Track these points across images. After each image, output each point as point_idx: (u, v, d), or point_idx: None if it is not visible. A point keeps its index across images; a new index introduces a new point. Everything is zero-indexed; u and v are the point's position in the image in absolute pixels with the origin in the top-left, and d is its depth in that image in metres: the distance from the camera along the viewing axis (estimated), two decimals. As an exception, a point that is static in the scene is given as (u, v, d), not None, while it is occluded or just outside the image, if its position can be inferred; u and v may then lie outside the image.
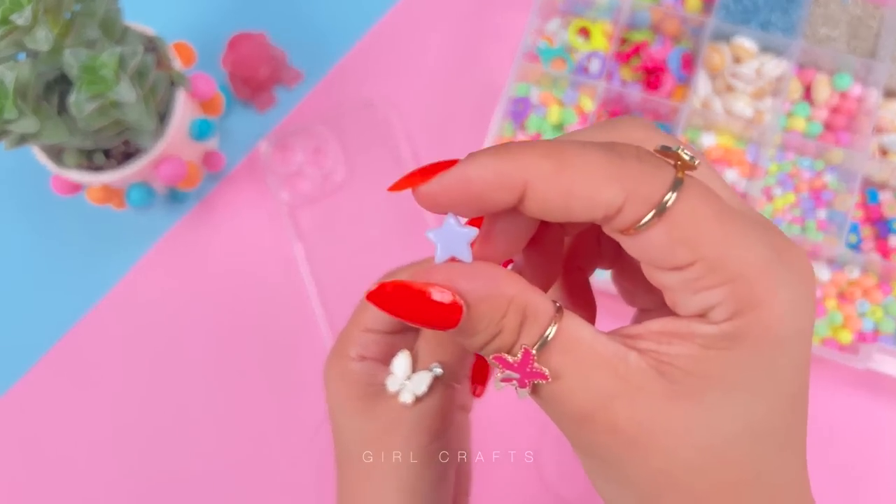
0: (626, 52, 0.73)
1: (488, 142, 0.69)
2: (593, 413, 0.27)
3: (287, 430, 0.69)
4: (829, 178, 0.71)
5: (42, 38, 0.52)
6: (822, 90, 0.71)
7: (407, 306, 0.27)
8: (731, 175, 0.71)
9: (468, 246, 0.28)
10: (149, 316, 0.72)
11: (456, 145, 0.74)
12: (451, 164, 0.27)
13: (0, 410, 0.70)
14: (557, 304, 0.28)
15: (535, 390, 0.28)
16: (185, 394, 0.70)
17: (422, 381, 0.40)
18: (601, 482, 0.30)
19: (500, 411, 0.68)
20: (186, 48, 0.66)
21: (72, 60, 0.54)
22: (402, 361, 0.40)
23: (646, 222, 0.26)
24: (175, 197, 0.73)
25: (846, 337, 0.67)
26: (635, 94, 0.71)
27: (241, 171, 0.74)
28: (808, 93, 0.73)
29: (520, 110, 0.72)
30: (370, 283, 0.28)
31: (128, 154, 0.64)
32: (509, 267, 0.32)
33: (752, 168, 0.71)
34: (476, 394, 0.46)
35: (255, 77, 0.73)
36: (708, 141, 0.71)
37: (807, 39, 0.72)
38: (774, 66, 0.70)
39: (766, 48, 0.72)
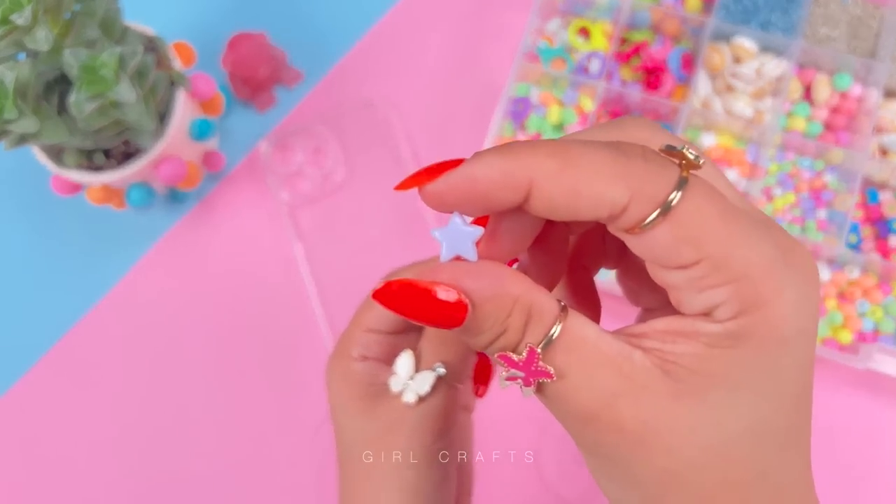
0: (627, 52, 0.73)
1: (488, 142, 0.69)
2: (598, 412, 0.27)
3: (287, 429, 0.69)
4: (829, 178, 0.71)
5: (42, 38, 0.52)
6: (822, 90, 0.71)
7: (412, 305, 0.27)
8: (732, 175, 0.71)
9: (473, 245, 0.28)
10: (149, 316, 0.72)
11: (456, 145, 0.74)
12: (456, 163, 0.27)
13: (0, 410, 0.70)
14: (562, 304, 0.28)
15: (539, 389, 0.28)
16: (185, 393, 0.70)
17: (425, 381, 0.39)
18: (605, 481, 0.30)
19: (500, 411, 0.68)
20: (186, 48, 0.66)
21: (72, 60, 0.54)
22: (405, 361, 0.40)
23: (650, 221, 0.26)
24: (175, 197, 0.73)
25: (846, 337, 0.67)
26: (635, 94, 0.71)
27: (241, 170, 0.74)
28: (808, 93, 0.73)
29: (520, 110, 0.72)
30: (375, 282, 0.28)
31: (128, 154, 0.64)
32: (514, 266, 0.32)
33: (752, 168, 0.71)
34: (478, 394, 0.46)
35: (254, 77, 0.73)
36: (708, 141, 0.71)
37: (807, 39, 0.72)
38: (774, 66, 0.71)
39: (766, 48, 0.72)
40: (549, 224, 0.30)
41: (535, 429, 0.68)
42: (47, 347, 0.71)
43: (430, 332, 0.40)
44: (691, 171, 0.27)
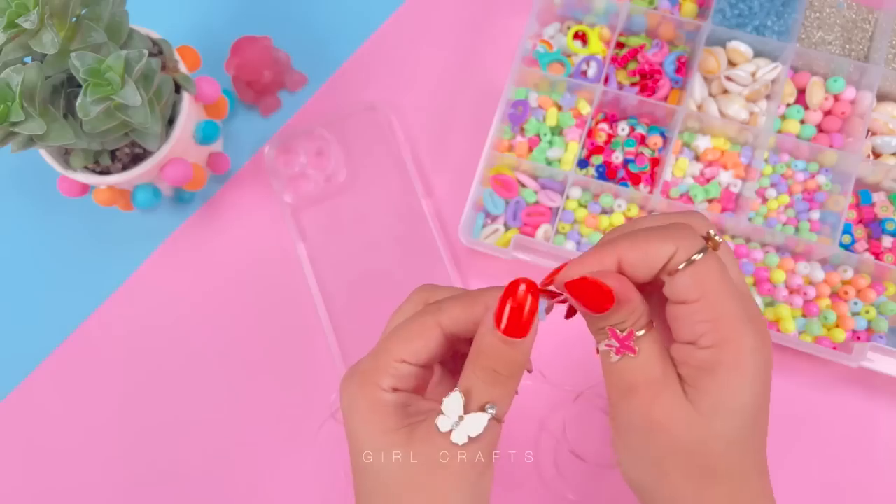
0: (623, 57, 0.74)
1: (488, 144, 0.69)
2: (640, 390, 0.39)
3: (290, 428, 0.69)
4: (822, 180, 0.72)
5: (48, 42, 0.53)
6: (816, 93, 0.72)
7: (591, 295, 0.39)
8: (726, 177, 0.72)
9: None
10: (154, 315, 0.72)
11: (456, 148, 0.75)
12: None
13: (7, 408, 0.71)
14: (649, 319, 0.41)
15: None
16: (189, 393, 0.71)
17: (479, 423, 0.39)
18: (625, 453, 0.42)
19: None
20: (191, 52, 0.67)
21: (78, 64, 0.54)
22: (455, 401, 0.39)
23: (682, 268, 0.38)
24: (181, 198, 0.74)
25: (839, 336, 0.67)
26: (632, 97, 0.72)
27: (246, 172, 0.75)
28: (802, 96, 0.74)
29: (518, 113, 0.73)
30: (561, 272, 0.40)
31: (134, 156, 0.64)
32: None
33: (746, 170, 0.72)
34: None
35: (259, 81, 0.74)
36: (703, 143, 0.72)
37: (801, 43, 0.73)
38: (769, 70, 0.71)
39: (760, 52, 0.73)
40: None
41: (535, 429, 0.69)
42: (54, 346, 0.72)
43: (479, 372, 0.39)
44: (711, 249, 0.40)
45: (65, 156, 0.64)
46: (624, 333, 0.39)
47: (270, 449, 0.69)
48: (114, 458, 0.70)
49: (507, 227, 0.72)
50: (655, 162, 0.72)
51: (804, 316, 0.69)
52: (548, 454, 0.68)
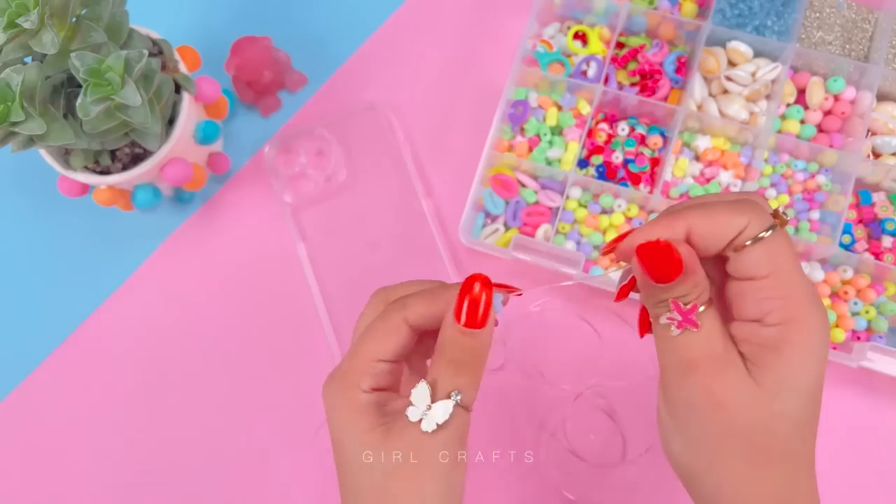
0: (623, 57, 0.74)
1: (488, 144, 0.70)
2: (700, 366, 0.39)
3: (289, 429, 0.69)
4: (822, 180, 0.72)
5: (48, 42, 0.53)
6: (816, 93, 0.72)
7: (661, 261, 0.39)
8: (726, 177, 0.72)
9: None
10: (154, 316, 0.72)
11: (456, 148, 0.75)
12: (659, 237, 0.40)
13: (10, 406, 0.71)
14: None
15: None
16: (188, 392, 0.71)
17: (444, 410, 0.40)
18: (676, 435, 0.42)
19: (500, 411, 0.68)
20: (191, 52, 0.67)
21: (78, 64, 0.54)
22: (422, 392, 0.40)
23: (751, 244, 0.39)
24: (181, 198, 0.74)
25: (839, 335, 0.67)
26: (632, 97, 0.72)
27: (246, 172, 0.75)
28: (801, 96, 0.74)
29: (518, 113, 0.73)
30: (628, 237, 0.41)
31: (134, 156, 0.64)
32: None
33: (746, 170, 0.72)
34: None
35: (259, 81, 0.74)
36: (703, 143, 0.72)
37: (801, 43, 0.73)
38: (769, 70, 0.71)
39: (760, 52, 0.73)
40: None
41: (535, 429, 0.69)
42: (54, 346, 0.72)
43: (443, 363, 0.41)
44: (780, 225, 0.40)
45: (65, 156, 0.64)
46: (688, 307, 0.40)
47: (270, 449, 0.69)
48: (113, 458, 0.70)
49: (507, 227, 0.72)
50: (655, 162, 0.72)
51: (804, 316, 0.69)
52: (548, 454, 0.68)
